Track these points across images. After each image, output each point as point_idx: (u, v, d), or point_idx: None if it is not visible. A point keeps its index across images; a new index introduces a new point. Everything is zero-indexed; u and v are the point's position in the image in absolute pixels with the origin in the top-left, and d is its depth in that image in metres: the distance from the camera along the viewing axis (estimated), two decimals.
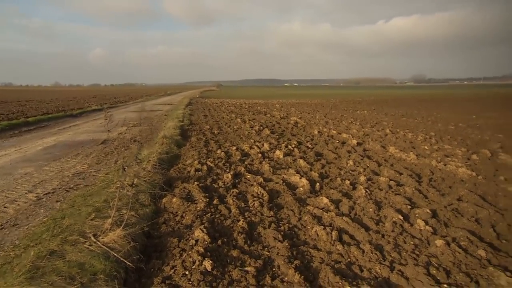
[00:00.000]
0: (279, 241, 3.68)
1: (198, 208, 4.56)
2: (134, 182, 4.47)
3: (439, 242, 3.57)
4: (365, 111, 21.49)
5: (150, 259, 3.38)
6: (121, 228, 3.32)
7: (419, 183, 5.96)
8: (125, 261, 2.96)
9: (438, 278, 3.00)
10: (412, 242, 3.73)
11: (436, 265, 3.21)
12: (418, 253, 3.49)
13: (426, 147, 9.14)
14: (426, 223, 4.14)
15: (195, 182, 5.63)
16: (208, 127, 13.36)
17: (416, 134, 11.41)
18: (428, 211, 4.50)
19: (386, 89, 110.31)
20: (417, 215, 4.43)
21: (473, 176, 6.30)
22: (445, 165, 7.11)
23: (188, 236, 3.76)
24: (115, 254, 2.98)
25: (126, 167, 4.35)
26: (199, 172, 6.42)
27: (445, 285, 2.87)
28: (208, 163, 7.07)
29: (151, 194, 4.99)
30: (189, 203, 4.80)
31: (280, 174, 6.36)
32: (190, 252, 3.33)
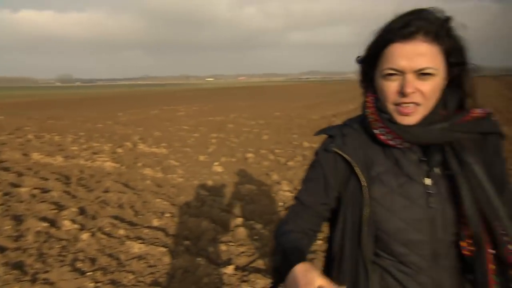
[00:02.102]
0: None
1: None
2: None
3: (85, 235, 3.72)
4: (2, 117, 18.26)
5: None
6: None
7: (68, 185, 5.86)
8: None
9: (84, 269, 3.13)
10: (58, 245, 3.63)
11: (82, 258, 3.33)
12: (65, 253, 3.46)
13: (75, 147, 9.10)
14: (74, 221, 4.17)
15: None
16: None
17: (65, 136, 11.09)
18: (76, 209, 4.54)
19: (28, 90, 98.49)
20: (64, 217, 4.35)
21: (117, 167, 6.97)
22: (93, 162, 7.41)
23: None
24: None
25: None
26: None
27: (89, 273, 3.04)
28: None
29: None
30: None
31: None
32: None
